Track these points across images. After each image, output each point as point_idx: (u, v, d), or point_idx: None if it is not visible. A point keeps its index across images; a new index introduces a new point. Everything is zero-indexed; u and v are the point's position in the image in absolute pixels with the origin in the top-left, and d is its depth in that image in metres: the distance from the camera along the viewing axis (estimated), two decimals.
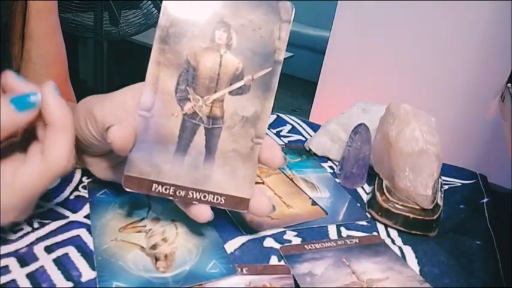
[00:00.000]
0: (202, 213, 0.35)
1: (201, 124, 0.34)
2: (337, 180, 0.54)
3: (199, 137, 0.35)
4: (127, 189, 0.34)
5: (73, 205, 0.41)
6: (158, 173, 0.34)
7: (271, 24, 0.35)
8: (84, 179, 0.45)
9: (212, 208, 0.35)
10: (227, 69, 0.34)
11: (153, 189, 0.34)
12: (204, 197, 0.35)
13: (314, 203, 0.48)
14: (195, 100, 0.34)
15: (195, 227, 0.39)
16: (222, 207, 0.35)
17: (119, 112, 0.35)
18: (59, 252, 0.35)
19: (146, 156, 0.34)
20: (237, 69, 0.35)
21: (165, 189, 0.34)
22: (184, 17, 0.34)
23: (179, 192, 0.35)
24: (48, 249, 0.35)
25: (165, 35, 0.33)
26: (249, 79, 0.35)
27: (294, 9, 0.35)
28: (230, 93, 0.35)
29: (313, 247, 0.40)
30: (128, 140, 0.33)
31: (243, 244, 0.39)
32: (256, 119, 0.35)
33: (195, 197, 0.35)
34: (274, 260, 0.38)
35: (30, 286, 0.31)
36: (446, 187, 0.56)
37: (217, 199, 0.35)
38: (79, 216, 0.40)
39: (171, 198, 0.35)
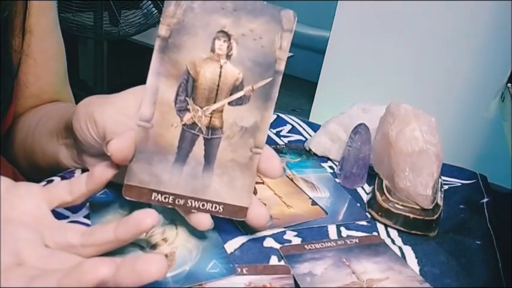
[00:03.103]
0: (201, 222, 0.35)
1: (200, 134, 0.34)
2: (337, 180, 0.54)
3: (198, 147, 0.35)
4: (127, 198, 0.34)
5: (73, 205, 0.41)
6: (158, 182, 0.34)
7: (273, 33, 0.34)
8: None
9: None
10: (227, 80, 0.34)
11: (152, 197, 0.35)
12: (203, 205, 0.35)
13: (314, 203, 0.48)
14: (195, 111, 0.34)
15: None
16: (221, 216, 0.36)
17: (119, 117, 0.35)
18: None
19: (146, 166, 0.34)
20: (237, 79, 0.34)
21: (165, 198, 0.35)
22: (184, 27, 0.33)
23: (178, 201, 0.35)
24: None
25: (165, 45, 0.33)
26: (249, 89, 0.34)
27: (296, 18, 0.34)
28: (230, 103, 0.34)
29: (313, 247, 0.40)
30: (127, 152, 0.33)
31: (243, 244, 0.39)
32: (256, 130, 0.35)
33: (193, 205, 0.35)
34: (274, 260, 0.38)
35: None
36: (446, 187, 0.56)
37: (215, 207, 0.35)
38: (79, 216, 0.40)
39: (170, 206, 0.35)
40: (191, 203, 0.35)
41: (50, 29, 0.53)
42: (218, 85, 0.34)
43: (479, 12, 0.80)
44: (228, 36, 0.34)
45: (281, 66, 0.34)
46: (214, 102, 0.34)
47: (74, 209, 0.40)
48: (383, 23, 0.89)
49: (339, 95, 0.93)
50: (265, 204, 0.38)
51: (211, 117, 0.34)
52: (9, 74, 0.47)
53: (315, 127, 0.67)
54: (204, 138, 0.35)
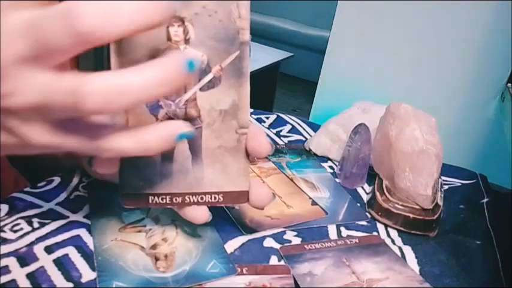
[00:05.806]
0: (198, 215, 0.35)
1: None
2: (337, 180, 0.54)
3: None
4: (126, 207, 0.34)
5: (73, 205, 0.41)
6: (151, 185, 0.34)
7: (227, 4, 0.32)
8: (84, 179, 0.45)
9: (211, 208, 0.35)
10: None
11: (150, 201, 0.34)
12: (202, 198, 0.35)
13: (314, 203, 0.48)
14: (167, 106, 0.33)
15: (195, 227, 0.39)
16: (222, 205, 0.35)
17: None
18: (59, 252, 0.35)
19: (135, 172, 0.33)
20: (202, 62, 0.32)
21: (162, 200, 0.34)
22: None
23: (176, 200, 0.34)
24: (48, 249, 0.35)
25: (119, 47, 0.31)
26: (218, 69, 0.33)
27: None
28: (201, 89, 0.33)
29: (313, 247, 0.40)
30: (111, 164, 0.32)
31: (243, 244, 0.39)
32: (236, 110, 0.33)
33: (192, 200, 0.35)
34: (274, 260, 0.38)
35: (30, 286, 0.31)
36: (446, 187, 0.56)
37: (215, 198, 0.35)
38: (79, 216, 0.40)
39: (169, 207, 0.35)
40: (189, 198, 0.34)
41: None
42: None
43: (480, 12, 0.80)
44: (181, 19, 0.32)
45: (245, 36, 0.32)
46: (185, 92, 0.33)
47: (74, 209, 0.40)
48: (383, 23, 0.89)
49: (339, 95, 0.93)
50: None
51: (186, 108, 0.33)
52: None
53: (315, 127, 0.67)
54: None
